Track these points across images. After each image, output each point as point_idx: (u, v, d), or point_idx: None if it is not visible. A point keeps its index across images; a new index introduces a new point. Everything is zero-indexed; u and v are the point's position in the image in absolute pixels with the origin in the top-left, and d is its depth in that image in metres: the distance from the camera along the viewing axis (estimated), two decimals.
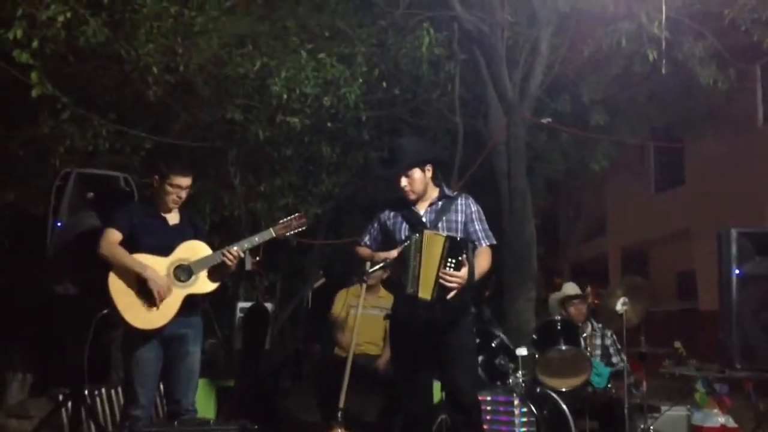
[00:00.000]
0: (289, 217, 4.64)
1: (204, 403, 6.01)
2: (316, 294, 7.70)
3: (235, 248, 4.39)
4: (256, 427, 4.04)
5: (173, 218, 4.50)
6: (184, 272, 4.34)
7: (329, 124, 9.44)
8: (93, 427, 5.32)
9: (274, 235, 4.54)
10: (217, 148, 9.76)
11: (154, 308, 4.25)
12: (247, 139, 9.47)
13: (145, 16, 7.55)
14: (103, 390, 5.82)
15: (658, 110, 11.33)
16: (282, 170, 10.42)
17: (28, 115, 8.18)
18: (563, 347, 5.36)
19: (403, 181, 4.26)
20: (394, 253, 4.15)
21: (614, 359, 5.91)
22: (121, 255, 4.27)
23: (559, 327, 5.50)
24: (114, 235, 4.32)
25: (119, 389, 5.85)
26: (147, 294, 4.24)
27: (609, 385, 5.63)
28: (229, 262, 4.37)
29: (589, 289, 6.22)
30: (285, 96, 8.45)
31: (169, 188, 4.40)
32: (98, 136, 8.40)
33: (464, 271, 4.00)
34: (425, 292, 4.00)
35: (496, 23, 8.67)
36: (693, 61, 8.68)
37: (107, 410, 5.80)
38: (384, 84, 9.38)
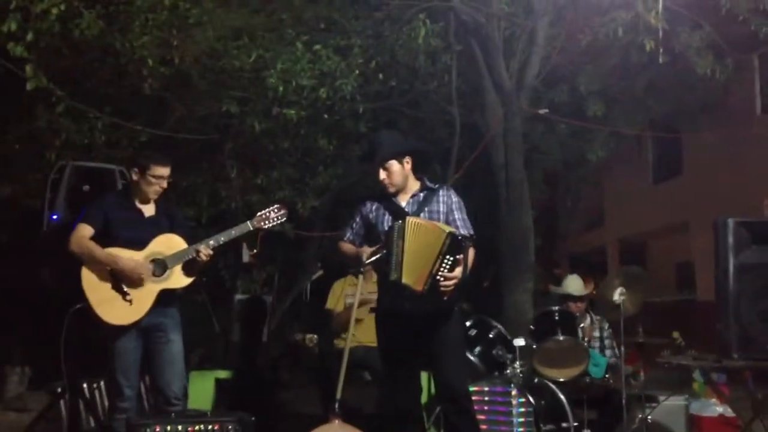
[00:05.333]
0: (267, 209, 4.59)
1: (202, 394, 6.01)
2: (315, 286, 7.68)
3: (212, 242, 4.37)
4: (254, 418, 4.04)
5: (149, 210, 4.47)
6: (158, 266, 4.30)
7: (326, 116, 9.43)
8: (92, 419, 5.32)
9: (251, 228, 4.49)
10: (214, 141, 9.76)
11: (128, 303, 4.22)
12: (243, 132, 9.47)
13: (139, 8, 7.55)
14: (102, 383, 5.80)
15: (656, 101, 11.30)
16: (279, 163, 10.41)
17: (23, 109, 8.18)
18: (561, 337, 5.35)
19: (382, 174, 4.27)
20: (377, 245, 4.13)
21: (607, 352, 5.91)
22: (92, 249, 4.24)
23: (556, 317, 5.49)
24: (85, 230, 4.30)
25: None
26: (120, 288, 4.22)
27: (607, 376, 5.63)
28: (202, 258, 4.35)
29: (592, 286, 6.17)
30: (281, 88, 8.44)
31: (151, 179, 4.41)
32: (94, 130, 8.41)
33: (458, 271, 3.99)
34: (408, 277, 3.98)
35: (493, 14, 8.64)
36: (690, 52, 8.65)
37: (106, 403, 5.78)
38: (380, 76, 9.36)
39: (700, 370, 5.89)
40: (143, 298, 4.25)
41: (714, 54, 8.70)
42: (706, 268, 10.33)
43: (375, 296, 4.59)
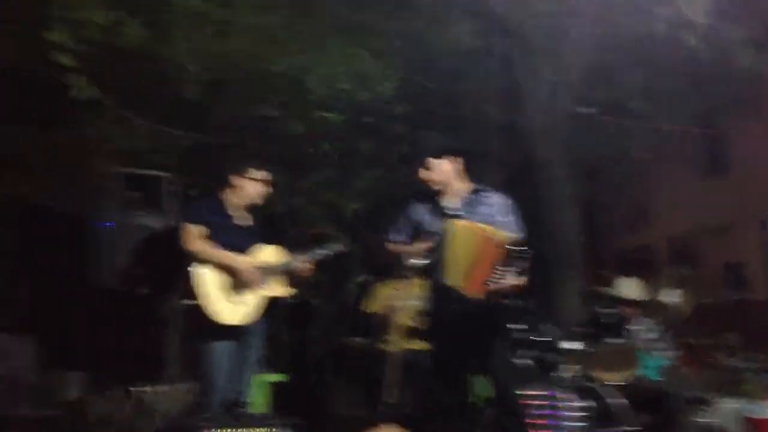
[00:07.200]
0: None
1: (257, 398, 6.01)
2: (359, 289, 7.69)
3: (308, 257, 4.49)
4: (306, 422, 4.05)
5: (244, 219, 4.58)
6: (264, 274, 4.41)
7: (365, 119, 9.43)
8: (153, 422, 5.37)
9: (343, 248, 4.67)
10: (255, 145, 9.80)
11: (236, 304, 4.32)
12: (283, 136, 9.49)
13: (181, 16, 7.61)
14: (160, 387, 5.87)
15: (700, 96, 11.10)
16: (320, 165, 10.43)
17: (68, 117, 8.30)
18: (611, 340, 5.28)
19: (427, 174, 4.24)
20: (424, 245, 4.12)
21: (659, 354, 5.82)
22: (211, 249, 4.31)
23: (606, 320, 5.43)
24: (195, 230, 4.37)
25: (175, 386, 5.92)
26: (231, 288, 4.30)
27: (659, 378, 5.53)
28: (303, 271, 4.48)
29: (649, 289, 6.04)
30: (320, 92, 8.46)
31: (250, 183, 4.53)
32: (137, 136, 8.50)
33: (514, 280, 3.94)
34: (455, 280, 3.96)
35: (533, 12, 8.56)
36: (734, 46, 8.49)
37: (164, 407, 5.83)
38: (419, 77, 9.33)
39: (754, 371, 5.77)
40: (250, 301, 4.35)
41: (756, 47, 8.52)
42: (758, 267, 10.12)
43: (419, 299, 4.59)
